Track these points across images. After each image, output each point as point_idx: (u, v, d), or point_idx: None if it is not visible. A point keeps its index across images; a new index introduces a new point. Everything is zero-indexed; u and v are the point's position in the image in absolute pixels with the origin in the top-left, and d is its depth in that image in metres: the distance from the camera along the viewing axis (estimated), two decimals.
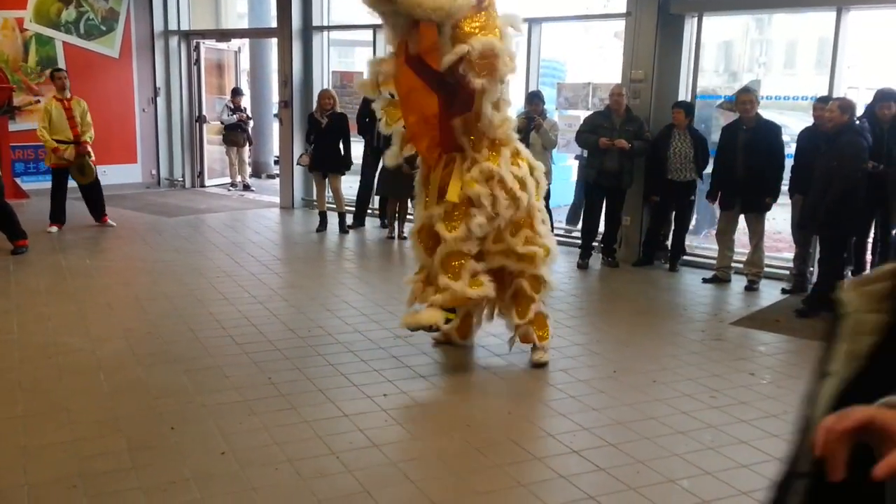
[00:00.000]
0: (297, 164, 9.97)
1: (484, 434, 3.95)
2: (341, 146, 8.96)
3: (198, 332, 5.43)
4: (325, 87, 10.02)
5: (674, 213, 7.68)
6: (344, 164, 9.06)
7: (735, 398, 4.49)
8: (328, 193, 9.19)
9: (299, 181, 10.87)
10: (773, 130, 6.90)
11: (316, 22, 10.67)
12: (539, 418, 4.19)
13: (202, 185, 12.62)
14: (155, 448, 3.71)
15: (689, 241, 8.10)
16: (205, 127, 12.61)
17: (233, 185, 12.68)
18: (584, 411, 4.28)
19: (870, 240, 6.76)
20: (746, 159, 6.81)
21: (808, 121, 6.83)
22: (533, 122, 7.61)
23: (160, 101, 12.37)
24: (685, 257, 7.77)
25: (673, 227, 7.73)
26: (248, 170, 13.18)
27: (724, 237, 7.22)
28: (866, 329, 0.86)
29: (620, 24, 8.27)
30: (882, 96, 6.36)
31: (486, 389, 4.63)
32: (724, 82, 10.56)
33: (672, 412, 4.31)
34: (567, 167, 10.41)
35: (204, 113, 12.55)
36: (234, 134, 12.43)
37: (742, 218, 7.18)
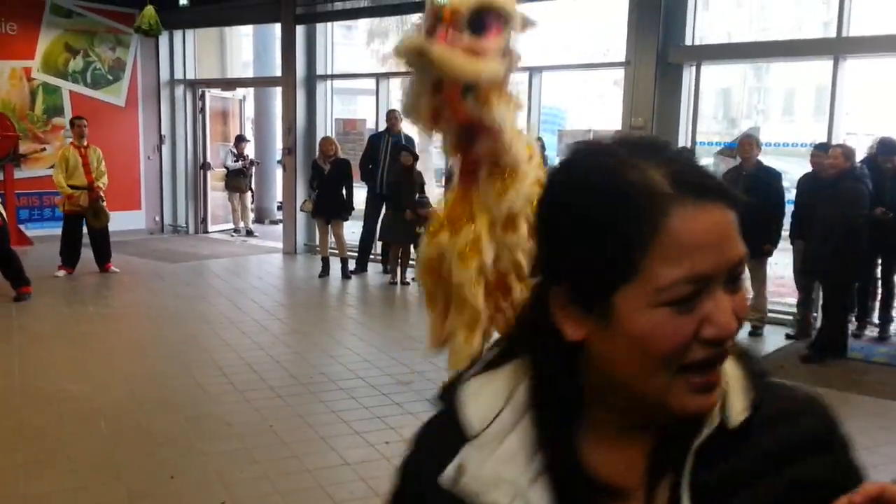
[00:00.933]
0: (300, 209, 10.03)
1: None
2: (343, 192, 9.02)
3: (199, 378, 5.40)
4: (328, 134, 10.13)
5: None
6: (346, 210, 9.12)
7: None
8: (331, 239, 9.22)
9: (302, 227, 10.92)
10: (774, 176, 6.93)
11: (320, 71, 10.85)
12: None
13: (205, 231, 12.68)
14: (155, 497, 3.66)
15: None
16: (209, 174, 12.72)
17: (236, 230, 12.74)
18: None
19: (873, 285, 6.77)
20: (746, 205, 6.82)
21: (807, 167, 6.88)
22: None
23: (165, 148, 12.51)
24: None
25: None
26: (251, 216, 13.27)
27: None
28: None
29: (620, 73, 8.40)
30: (885, 149, 6.44)
31: None
32: (724, 129, 10.67)
33: None
34: None
35: (208, 160, 12.68)
36: (237, 180, 12.55)
37: None
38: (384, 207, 9.23)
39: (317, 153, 9.41)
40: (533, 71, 9.03)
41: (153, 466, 3.99)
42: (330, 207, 8.97)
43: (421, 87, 4.05)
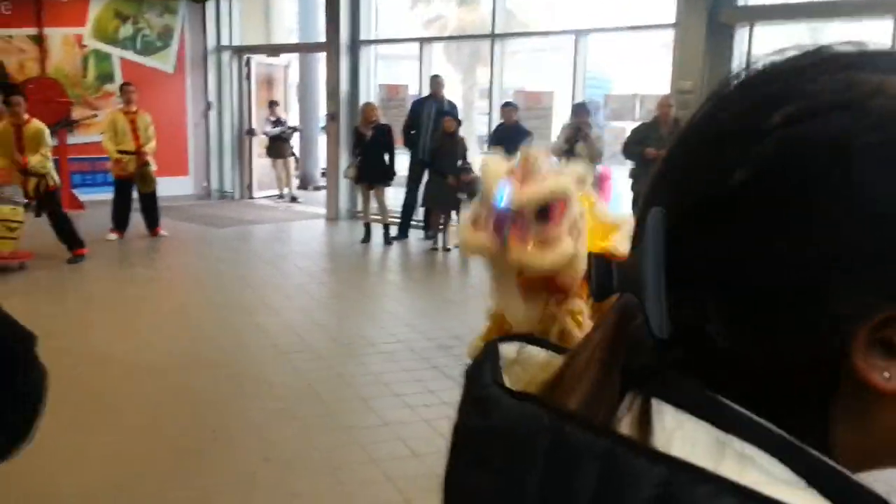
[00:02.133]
0: (344, 176, 10.07)
1: None
2: (386, 158, 9.01)
3: (243, 339, 5.50)
4: (371, 100, 10.11)
5: None
6: (389, 176, 9.12)
7: None
8: (373, 205, 9.25)
9: (345, 193, 10.97)
10: None
11: (364, 36, 10.80)
12: None
13: (251, 197, 12.83)
14: (199, 453, 3.75)
15: None
16: (254, 140, 12.83)
17: (280, 196, 12.87)
18: None
19: None
20: None
21: None
22: (580, 133, 7.58)
23: (212, 114, 12.64)
24: None
25: None
26: (295, 182, 13.37)
27: None
28: None
29: (668, 36, 8.20)
30: None
31: None
32: None
33: None
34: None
35: (254, 126, 12.78)
36: (277, 145, 12.64)
37: None
38: (426, 174, 9.21)
39: (359, 119, 9.41)
40: (579, 34, 8.86)
41: (196, 424, 4.08)
42: (373, 173, 8.98)
43: (503, 282, 4.09)
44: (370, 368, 4.97)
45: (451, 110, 9.29)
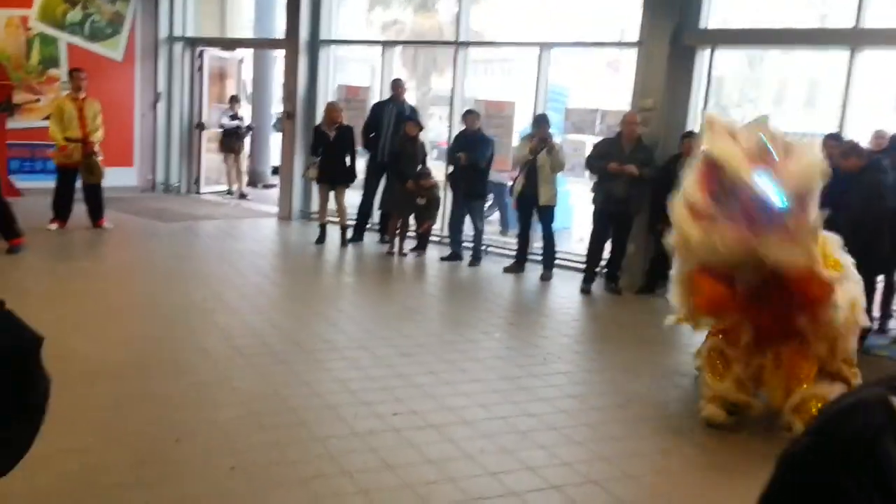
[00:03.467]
0: (303, 176, 9.90)
1: (498, 460, 3.87)
2: (347, 159, 8.90)
3: (202, 341, 5.32)
4: (330, 100, 9.97)
5: None
6: (350, 177, 9.01)
7: (750, 428, 4.42)
8: (331, 206, 9.11)
9: (298, 192, 10.79)
10: None
11: (324, 36, 10.65)
12: (553, 445, 4.11)
13: (198, 192, 12.49)
14: (161, 461, 3.59)
15: None
16: (203, 134, 12.52)
17: (229, 192, 12.58)
18: (599, 441, 4.21)
19: None
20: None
21: None
22: (546, 144, 7.63)
23: (160, 106, 12.27)
24: None
25: None
26: (245, 178, 13.09)
27: None
28: None
29: (617, 54, 8.30)
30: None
31: (496, 413, 4.54)
32: (733, 115, 10.59)
33: (688, 444, 4.26)
34: (566, 191, 10.39)
35: (203, 120, 12.46)
36: (232, 140, 12.38)
37: None
38: (384, 177, 9.13)
39: (321, 119, 9.25)
40: (543, 47, 8.92)
41: (159, 430, 3.91)
42: (334, 174, 8.86)
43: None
44: (336, 375, 4.86)
45: (413, 114, 9.23)
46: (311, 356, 5.20)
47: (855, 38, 7.05)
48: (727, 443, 4.27)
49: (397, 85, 9.40)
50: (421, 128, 8.93)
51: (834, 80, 7.19)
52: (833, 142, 6.50)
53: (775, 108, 18.87)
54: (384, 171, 9.08)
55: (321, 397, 4.47)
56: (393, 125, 9.06)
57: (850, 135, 7.12)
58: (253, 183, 13.91)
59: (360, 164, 9.41)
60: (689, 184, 3.97)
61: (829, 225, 6.29)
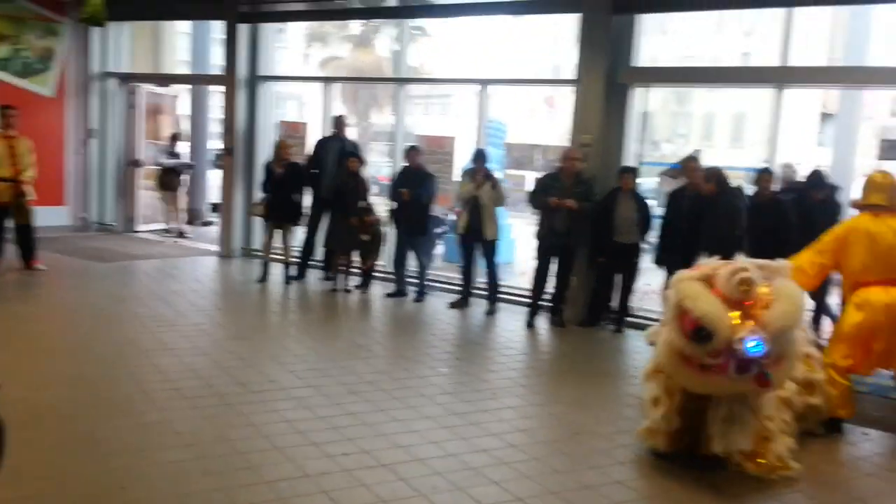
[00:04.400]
0: (251, 213, 9.78)
1: (451, 498, 3.86)
2: (295, 197, 8.84)
3: (143, 384, 5.17)
4: (280, 137, 9.89)
5: (619, 274, 7.81)
6: (298, 215, 8.95)
7: (705, 465, 4.51)
8: (276, 243, 9.00)
9: (239, 230, 10.64)
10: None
11: (262, 72, 10.62)
12: (505, 481, 4.11)
13: (133, 231, 12.20)
14: None
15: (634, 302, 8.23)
16: (139, 171, 12.27)
17: (167, 231, 12.33)
18: (550, 474, 4.23)
19: None
20: (691, 224, 7.02)
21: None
22: (492, 179, 7.76)
23: (94, 143, 12.01)
24: (630, 319, 7.88)
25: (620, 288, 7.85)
26: (183, 216, 12.86)
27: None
28: None
29: (551, 91, 8.51)
30: (815, 183, 6.95)
31: (447, 449, 4.53)
32: (645, 151, 10.89)
33: (636, 476, 4.32)
34: (508, 225, 10.54)
35: (139, 157, 12.23)
36: (170, 178, 12.18)
37: None
38: (327, 213, 9.08)
39: (270, 156, 9.17)
40: (482, 83, 9.09)
41: (102, 476, 3.78)
42: (283, 212, 8.78)
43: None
44: (283, 416, 4.78)
45: (355, 150, 9.25)
46: (258, 397, 5.10)
47: (781, 76, 7.39)
48: (674, 474, 4.34)
49: (339, 121, 9.42)
50: (363, 163, 8.95)
51: (760, 116, 7.55)
52: (766, 175, 6.85)
53: (705, 142, 19.61)
54: (327, 208, 9.03)
55: (269, 439, 4.39)
56: (335, 161, 9.05)
57: (777, 169, 7.46)
58: (191, 220, 13.67)
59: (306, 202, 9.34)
60: (674, 331, 4.18)
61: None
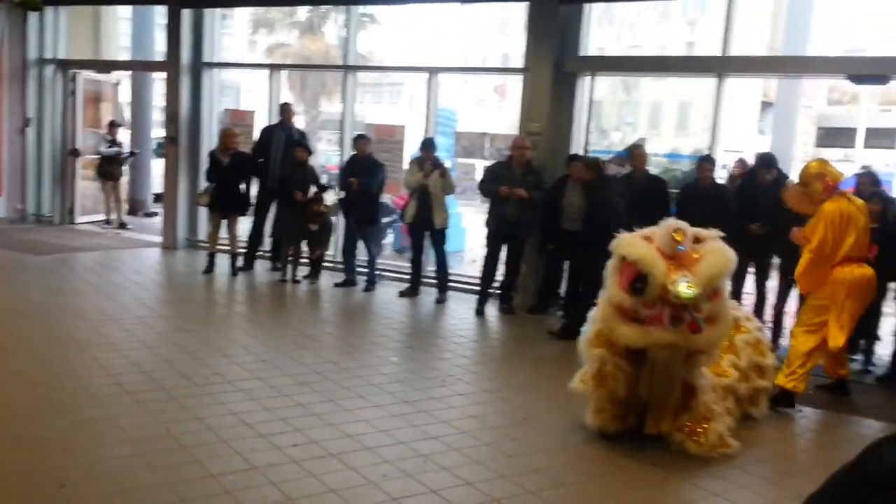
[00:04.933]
0: (196, 203, 9.57)
1: (402, 485, 3.85)
2: (242, 186, 8.69)
3: (83, 379, 5.03)
4: (225, 125, 9.69)
5: (567, 262, 7.88)
6: (245, 205, 8.80)
7: (649, 446, 4.58)
8: (222, 234, 8.84)
9: (183, 220, 10.42)
10: (661, 184, 7.29)
11: (206, 58, 10.39)
12: (456, 466, 4.12)
13: (72, 222, 11.85)
14: None
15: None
16: (78, 161, 11.90)
17: (107, 222, 12.00)
18: (500, 459, 4.25)
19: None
20: (638, 210, 7.11)
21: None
22: (438, 167, 7.73)
23: (30, 131, 11.61)
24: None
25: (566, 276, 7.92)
26: (125, 206, 12.54)
27: None
28: None
29: (501, 80, 8.53)
30: (764, 163, 6.99)
31: (398, 437, 4.51)
32: (594, 139, 11.04)
33: (584, 458, 4.37)
34: (457, 214, 10.54)
35: (78, 146, 11.86)
36: (111, 167, 11.83)
37: None
38: (274, 203, 8.95)
39: (215, 144, 8.98)
40: (431, 72, 9.04)
41: (41, 475, 3.66)
42: (228, 202, 8.62)
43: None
44: (230, 408, 4.70)
45: (302, 139, 9.13)
46: (203, 390, 5.00)
47: (722, 65, 7.52)
48: (624, 454, 4.41)
49: (286, 109, 9.28)
50: (310, 153, 8.84)
51: (703, 105, 7.69)
52: (707, 164, 6.96)
53: (652, 131, 19.90)
54: (274, 197, 8.90)
55: (215, 432, 4.31)
56: (282, 150, 8.92)
57: (719, 156, 7.60)
58: (133, 211, 13.33)
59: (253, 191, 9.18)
60: (613, 285, 4.33)
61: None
